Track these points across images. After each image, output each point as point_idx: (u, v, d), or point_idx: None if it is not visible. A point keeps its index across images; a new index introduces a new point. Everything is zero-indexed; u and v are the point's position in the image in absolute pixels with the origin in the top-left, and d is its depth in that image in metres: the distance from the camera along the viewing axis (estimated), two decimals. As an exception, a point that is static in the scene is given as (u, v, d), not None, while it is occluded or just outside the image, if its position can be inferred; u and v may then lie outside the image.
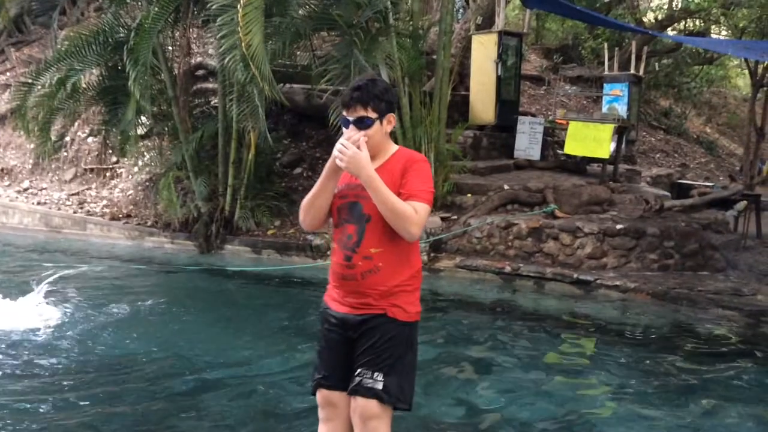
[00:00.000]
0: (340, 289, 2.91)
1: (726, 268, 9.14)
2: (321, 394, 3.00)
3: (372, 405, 2.78)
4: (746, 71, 18.38)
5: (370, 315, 2.83)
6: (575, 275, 8.91)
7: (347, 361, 2.90)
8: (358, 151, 2.61)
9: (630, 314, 7.97)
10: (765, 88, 17.35)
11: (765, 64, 15.81)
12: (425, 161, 2.88)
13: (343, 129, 2.76)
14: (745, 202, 11.22)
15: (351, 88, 2.77)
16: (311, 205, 2.88)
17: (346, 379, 2.89)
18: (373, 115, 2.72)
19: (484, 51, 13.64)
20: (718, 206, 11.34)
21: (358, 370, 2.83)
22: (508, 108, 13.88)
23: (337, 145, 2.66)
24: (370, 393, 2.78)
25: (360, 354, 2.84)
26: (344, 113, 2.75)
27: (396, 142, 9.70)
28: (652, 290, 8.34)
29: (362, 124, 2.70)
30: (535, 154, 13.26)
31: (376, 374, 2.79)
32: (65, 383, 5.36)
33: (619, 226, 9.32)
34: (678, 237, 9.22)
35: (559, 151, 13.69)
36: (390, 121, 2.81)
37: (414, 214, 2.66)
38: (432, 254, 9.94)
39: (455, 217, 10.41)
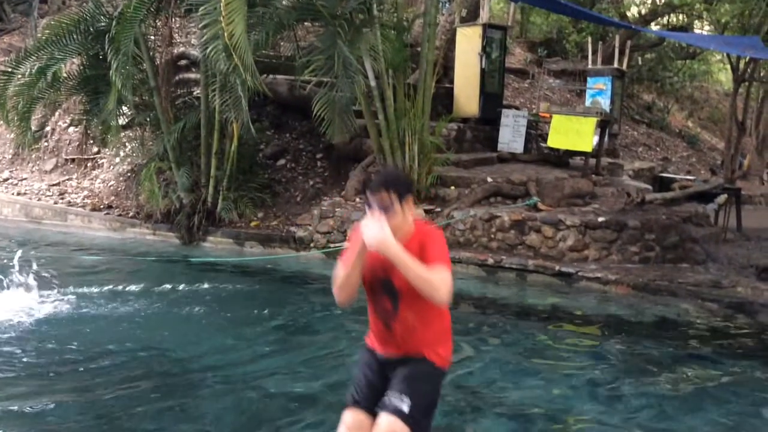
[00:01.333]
0: (381, 343, 3.22)
1: (706, 261, 9.22)
2: (353, 414, 3.18)
3: (395, 421, 2.98)
4: (728, 66, 18.51)
5: (409, 356, 3.14)
6: (557, 267, 8.96)
7: (382, 391, 3.14)
8: (383, 233, 2.83)
9: (611, 306, 8.02)
10: (746, 83, 17.51)
11: (746, 60, 15.94)
12: (438, 232, 3.15)
13: (368, 211, 3.01)
14: (725, 195, 11.33)
15: (376, 176, 3.18)
16: (345, 284, 3.06)
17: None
18: (394, 198, 2.98)
19: (468, 44, 13.65)
20: (698, 199, 11.45)
21: (388, 392, 3.08)
22: (491, 101, 13.91)
23: (363, 227, 2.90)
24: (395, 411, 3.00)
25: (392, 381, 3.12)
26: (369, 196, 3.02)
27: (379, 135, 9.65)
28: (633, 282, 8.41)
29: (385, 207, 2.96)
30: (518, 147, 13.29)
31: (403, 396, 3.02)
32: (41, 379, 5.31)
33: (600, 219, 9.37)
34: (659, 230, 9.29)
35: (543, 144, 13.74)
36: (408, 204, 3.06)
37: (441, 283, 2.88)
38: (415, 246, 9.93)
39: (438, 209, 10.42)
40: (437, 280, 2.86)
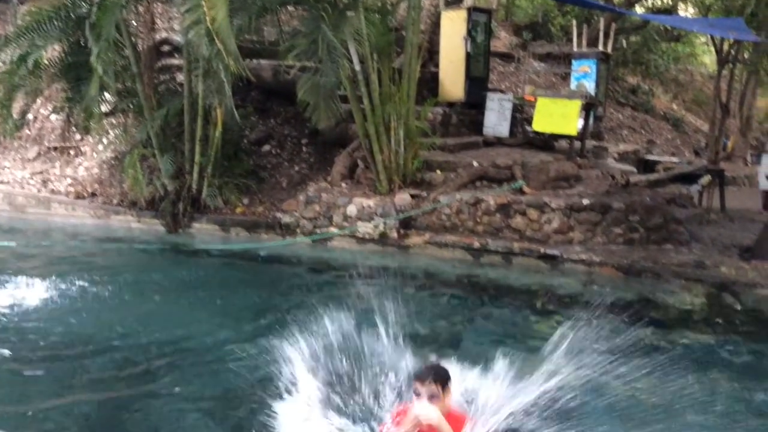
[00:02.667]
0: None
1: (690, 242, 9.29)
2: None
3: None
4: (712, 48, 18.54)
5: None
6: (542, 250, 9.00)
7: None
8: (437, 414, 3.50)
9: (595, 287, 8.08)
10: (730, 65, 17.56)
11: (730, 42, 15.98)
12: (466, 417, 3.81)
13: (415, 396, 3.69)
14: (709, 176, 11.40)
15: (426, 368, 3.86)
16: None
17: None
18: (440, 389, 3.66)
19: (453, 27, 13.60)
20: (683, 181, 11.52)
21: None
22: (477, 85, 13.90)
23: (419, 411, 3.53)
24: None
25: None
26: (418, 385, 3.68)
27: (364, 120, 9.57)
28: (617, 264, 8.47)
29: (433, 396, 3.63)
30: (504, 130, 13.31)
31: None
32: (29, 364, 5.31)
33: (585, 202, 9.41)
34: (643, 211, 9.34)
35: (528, 128, 13.75)
36: (449, 392, 3.74)
37: None
38: (402, 231, 9.96)
39: (425, 194, 10.42)
40: None
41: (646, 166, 13.89)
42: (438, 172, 11.04)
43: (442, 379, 3.73)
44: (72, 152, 13.71)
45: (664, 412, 4.76)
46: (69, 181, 13.00)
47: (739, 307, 7.47)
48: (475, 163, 11.04)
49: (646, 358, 5.68)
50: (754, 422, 4.71)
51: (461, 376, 4.70)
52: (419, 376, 3.76)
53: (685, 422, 4.71)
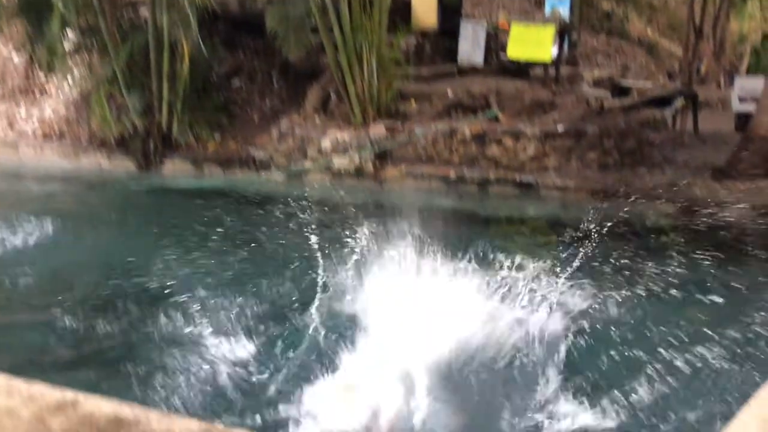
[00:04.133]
0: None
1: (663, 164, 9.36)
2: None
3: None
4: (686, -30, 18.31)
5: None
6: (518, 178, 9.03)
7: None
8: None
9: (571, 212, 8.14)
10: (704, -13, 17.35)
11: (704, -37, 15.75)
12: None
13: None
14: (682, 100, 11.40)
15: None
16: None
17: None
18: None
19: (424, -48, 13.24)
20: (656, 105, 11.50)
21: None
22: (450, 12, 13.61)
23: None
24: None
25: None
26: None
27: (336, 50, 9.38)
28: (592, 188, 8.52)
29: None
30: (478, 58, 13.12)
31: None
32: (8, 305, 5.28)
33: (560, 128, 9.40)
34: (617, 136, 9.37)
35: (503, 55, 13.58)
36: None
37: None
38: (377, 164, 9.90)
39: (400, 125, 10.31)
40: None
41: (621, 92, 13.83)
42: (412, 102, 10.92)
43: None
44: (37, 92, 13.33)
45: (634, 323, 4.88)
46: (35, 122, 12.68)
47: (709, 226, 7.59)
48: (449, 93, 10.93)
49: (619, 276, 5.80)
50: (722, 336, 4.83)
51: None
52: None
53: (653, 337, 4.83)
